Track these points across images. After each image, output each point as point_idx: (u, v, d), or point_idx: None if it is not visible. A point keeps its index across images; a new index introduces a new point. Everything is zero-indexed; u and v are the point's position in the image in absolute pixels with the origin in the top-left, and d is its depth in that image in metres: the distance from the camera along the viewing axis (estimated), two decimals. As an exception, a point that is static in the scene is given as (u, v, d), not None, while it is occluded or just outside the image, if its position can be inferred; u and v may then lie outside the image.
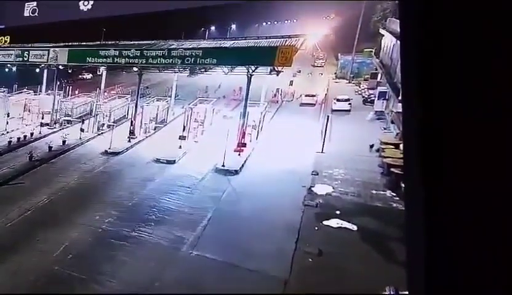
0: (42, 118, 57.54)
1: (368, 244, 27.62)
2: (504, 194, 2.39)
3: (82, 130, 52.35)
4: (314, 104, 65.15)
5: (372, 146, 42.28)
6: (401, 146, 34.94)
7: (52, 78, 61.41)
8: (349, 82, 78.06)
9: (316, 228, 30.21)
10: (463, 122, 2.46)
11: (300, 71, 77.95)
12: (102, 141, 50.17)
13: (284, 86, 67.09)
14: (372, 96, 62.44)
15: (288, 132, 49.24)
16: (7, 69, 69.71)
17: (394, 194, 34.09)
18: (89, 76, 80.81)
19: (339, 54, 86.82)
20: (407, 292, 2.98)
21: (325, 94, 67.02)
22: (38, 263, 26.84)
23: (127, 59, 51.81)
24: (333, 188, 36.43)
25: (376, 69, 70.79)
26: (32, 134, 52.65)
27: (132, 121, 52.78)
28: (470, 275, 2.48)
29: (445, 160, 2.52)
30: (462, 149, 2.48)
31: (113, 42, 57.95)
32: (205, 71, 55.31)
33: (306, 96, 66.92)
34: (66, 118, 57.76)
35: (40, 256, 27.60)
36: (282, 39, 47.21)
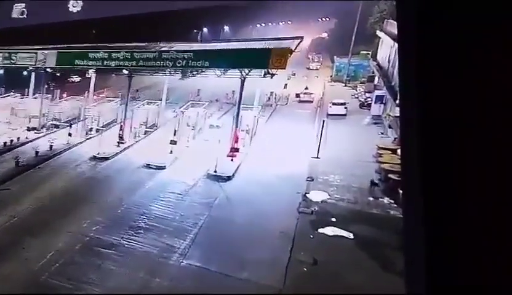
0: (29, 123, 57.14)
1: (365, 253, 27.63)
2: (505, 199, 2.39)
3: (70, 135, 52.14)
4: (312, 101, 66.72)
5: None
6: (399, 151, 34.82)
7: (39, 81, 61.12)
8: (345, 85, 78.04)
9: (311, 236, 30.23)
10: (462, 126, 2.46)
11: (294, 74, 77.81)
12: (90, 145, 49.99)
13: (278, 89, 66.93)
14: (369, 99, 62.52)
15: (283, 137, 49.11)
16: (-6, 72, 69.58)
17: (392, 201, 34.03)
18: (78, 79, 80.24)
19: (335, 56, 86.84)
20: None
21: (321, 98, 67.17)
22: (23, 272, 26.83)
23: (116, 61, 51.65)
24: (329, 194, 36.40)
25: (373, 72, 70.83)
26: (18, 138, 52.29)
27: (121, 126, 52.53)
28: (470, 283, 2.48)
29: (444, 166, 2.50)
30: (461, 154, 2.48)
31: (103, 44, 57.72)
32: (198, 74, 55.04)
33: (304, 93, 68.64)
34: (54, 122, 57.52)
35: (25, 265, 27.55)
36: (277, 41, 47.11)
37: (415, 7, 2.55)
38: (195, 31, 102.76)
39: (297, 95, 68.56)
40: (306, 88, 70.04)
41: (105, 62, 52.32)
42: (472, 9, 2.38)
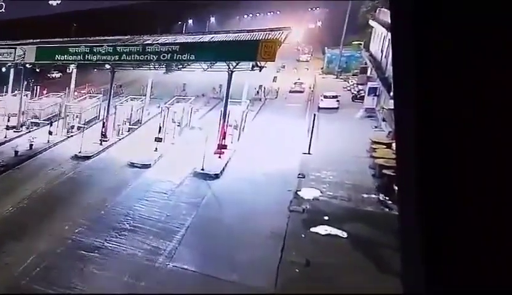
0: (8, 121, 56.86)
1: (360, 253, 27.52)
2: (504, 199, 2.32)
3: (50, 133, 51.81)
4: (303, 91, 68.12)
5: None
6: (394, 146, 34.75)
7: (18, 77, 60.83)
8: (336, 77, 78.19)
9: (303, 235, 30.10)
10: (460, 119, 2.37)
11: (284, 66, 78.01)
12: (72, 144, 49.69)
13: (267, 82, 66.88)
14: (362, 92, 62.71)
15: (272, 132, 49.09)
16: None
17: (387, 198, 33.96)
18: (58, 75, 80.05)
19: (326, 47, 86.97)
20: None
21: (312, 91, 67.22)
22: (4, 277, 26.66)
23: (98, 56, 51.55)
24: (321, 192, 36.32)
25: (365, 63, 71.03)
26: (-3, 138, 52.07)
27: (104, 123, 52.31)
28: (469, 284, 2.42)
29: (441, 161, 2.42)
30: (460, 149, 2.39)
31: (84, 38, 57.54)
32: (183, 68, 54.96)
33: (294, 83, 69.99)
34: (34, 120, 57.22)
35: (6, 269, 27.39)
36: (265, 32, 47.09)
37: (412, 7, 2.47)
38: (180, 22, 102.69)
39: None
40: (299, 79, 70.55)
41: (87, 56, 52.20)
42: (471, 9, 2.32)
